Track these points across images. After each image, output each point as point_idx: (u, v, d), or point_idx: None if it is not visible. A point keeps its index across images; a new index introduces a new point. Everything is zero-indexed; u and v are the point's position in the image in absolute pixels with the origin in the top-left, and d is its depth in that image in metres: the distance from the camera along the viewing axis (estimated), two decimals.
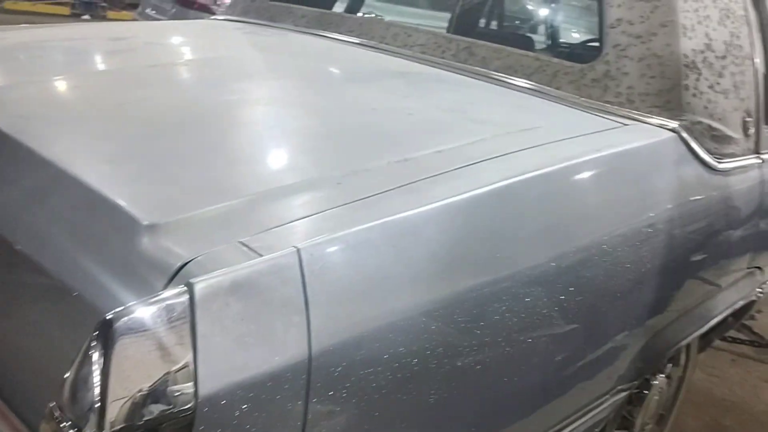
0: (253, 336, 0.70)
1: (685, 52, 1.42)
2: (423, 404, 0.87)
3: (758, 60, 1.66)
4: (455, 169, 1.02)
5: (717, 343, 2.03)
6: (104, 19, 8.88)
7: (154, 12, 5.90)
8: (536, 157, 1.13)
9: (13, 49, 1.55)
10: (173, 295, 0.69)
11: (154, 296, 0.69)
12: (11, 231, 0.93)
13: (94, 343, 0.67)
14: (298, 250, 0.76)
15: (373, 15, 2.82)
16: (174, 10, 5.57)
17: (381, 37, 1.84)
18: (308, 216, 0.85)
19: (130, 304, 0.68)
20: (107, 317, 0.67)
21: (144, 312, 0.67)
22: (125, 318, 0.67)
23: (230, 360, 0.69)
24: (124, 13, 8.87)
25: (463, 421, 0.96)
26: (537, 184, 1.07)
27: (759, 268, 1.79)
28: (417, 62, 1.70)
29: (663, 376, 1.64)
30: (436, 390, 0.88)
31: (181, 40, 1.90)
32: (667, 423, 1.86)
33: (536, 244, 1.04)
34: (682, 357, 1.77)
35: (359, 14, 2.64)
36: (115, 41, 1.73)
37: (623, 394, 1.34)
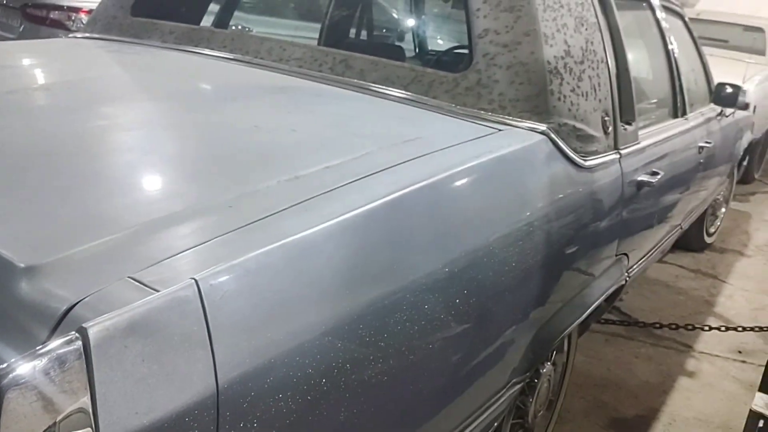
0: (157, 376, 0.67)
1: (548, 59, 1.51)
2: (334, 423, 0.87)
3: (611, 62, 1.80)
4: (346, 184, 1.03)
5: (592, 325, 2.18)
6: None
7: None
8: (421, 167, 1.16)
9: None
10: (63, 343, 0.64)
11: (43, 347, 0.64)
12: None
13: None
14: (197, 282, 0.73)
15: (244, 29, 2.77)
16: (22, 27, 5.17)
17: (255, 51, 1.82)
18: (202, 244, 0.83)
19: (17, 358, 0.63)
20: None
21: (33, 365, 0.63)
22: (12, 374, 0.62)
23: (134, 405, 0.65)
24: None
25: None
26: (425, 193, 1.10)
27: (625, 254, 1.94)
28: (294, 76, 1.70)
29: (550, 364, 1.74)
30: (346, 407, 0.88)
31: (40, 62, 1.77)
32: (557, 407, 1.97)
33: (429, 251, 1.06)
34: (566, 344, 1.88)
35: (230, 28, 2.59)
36: None
37: (518, 386, 1.41)
